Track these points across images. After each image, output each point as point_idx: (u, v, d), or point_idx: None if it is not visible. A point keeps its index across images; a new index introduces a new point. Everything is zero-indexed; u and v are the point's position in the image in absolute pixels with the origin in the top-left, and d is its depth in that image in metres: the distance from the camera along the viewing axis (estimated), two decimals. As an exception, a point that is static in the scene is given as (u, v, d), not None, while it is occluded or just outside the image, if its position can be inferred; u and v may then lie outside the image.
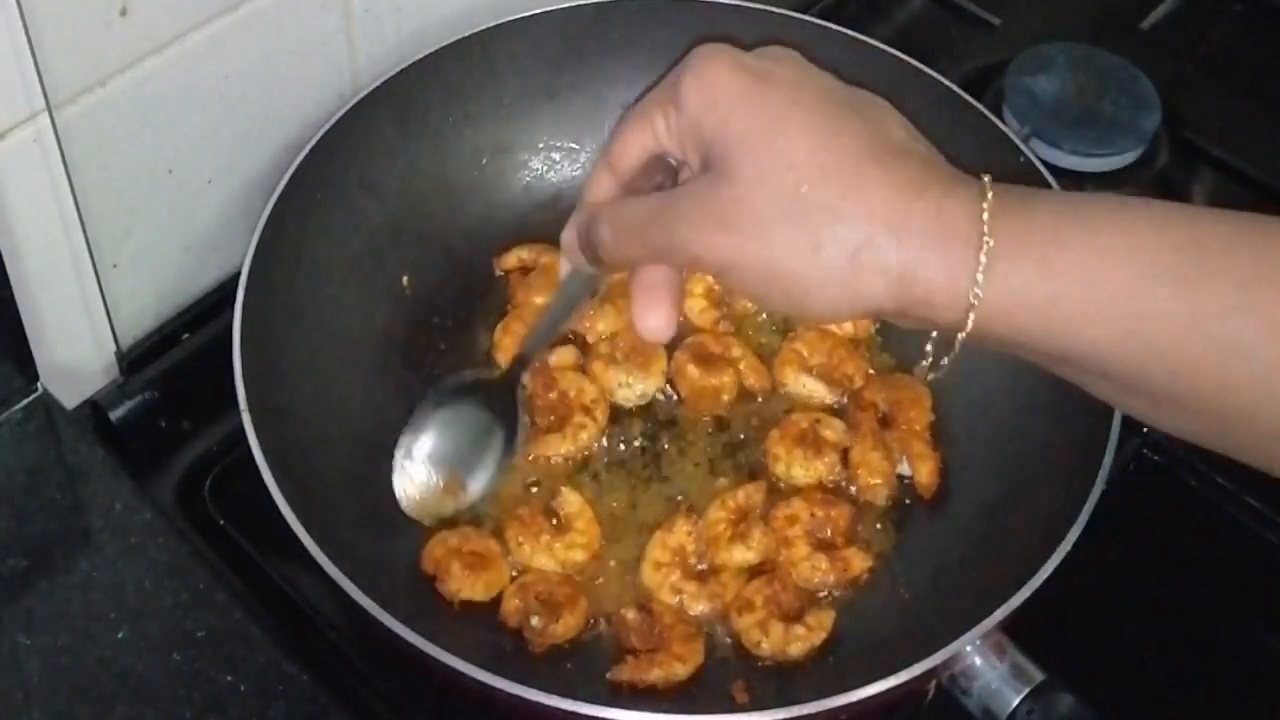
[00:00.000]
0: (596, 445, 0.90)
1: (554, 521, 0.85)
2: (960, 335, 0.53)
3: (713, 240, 0.54)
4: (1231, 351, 0.50)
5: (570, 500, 0.86)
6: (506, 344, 0.92)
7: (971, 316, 0.52)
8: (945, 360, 0.56)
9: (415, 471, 0.78)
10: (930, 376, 0.57)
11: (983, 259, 0.51)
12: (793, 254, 0.53)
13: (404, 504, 0.78)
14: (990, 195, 0.53)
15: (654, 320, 0.61)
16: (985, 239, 0.51)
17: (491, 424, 0.79)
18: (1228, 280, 0.50)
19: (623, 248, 0.59)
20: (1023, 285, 0.52)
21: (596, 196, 0.63)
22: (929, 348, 0.56)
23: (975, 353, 0.92)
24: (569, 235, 0.64)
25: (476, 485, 0.78)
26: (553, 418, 0.89)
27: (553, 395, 0.89)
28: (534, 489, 0.87)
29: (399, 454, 0.78)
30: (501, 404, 0.78)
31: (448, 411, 0.78)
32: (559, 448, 0.88)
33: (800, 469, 0.89)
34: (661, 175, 0.61)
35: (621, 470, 0.89)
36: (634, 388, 0.91)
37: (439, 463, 0.78)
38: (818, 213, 0.52)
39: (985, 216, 0.52)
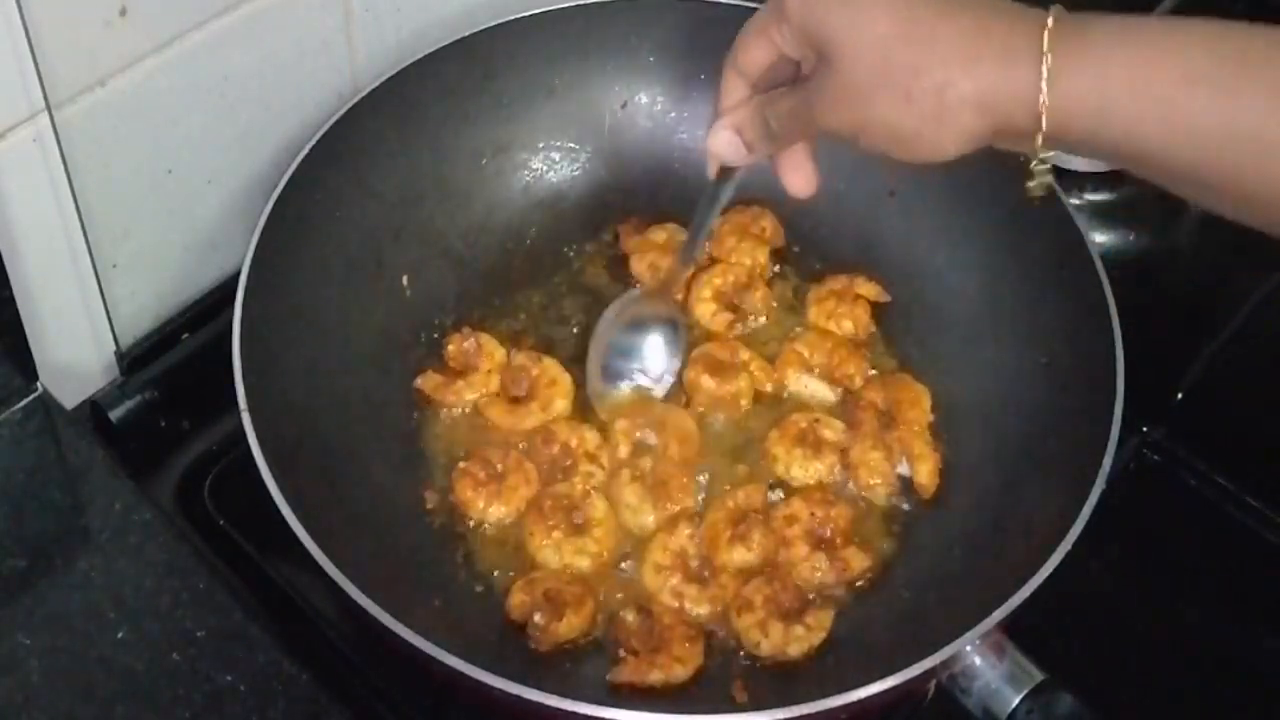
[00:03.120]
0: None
1: (575, 521, 0.85)
2: (1037, 140, 0.62)
3: (838, 115, 0.67)
4: (1268, 149, 0.57)
5: (598, 506, 0.86)
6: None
7: (1043, 121, 0.61)
8: (1038, 172, 0.65)
9: (606, 391, 0.91)
10: (1034, 188, 0.67)
11: (1045, 71, 0.60)
12: (893, 109, 0.64)
13: (605, 415, 0.91)
14: (1051, 20, 0.61)
15: (800, 179, 0.76)
16: (1045, 55, 0.60)
17: (660, 328, 0.92)
18: (1263, 87, 0.57)
19: (784, 132, 0.73)
20: (1080, 95, 0.60)
21: (734, 99, 0.75)
22: (1032, 164, 0.66)
23: (974, 352, 0.93)
24: (725, 137, 0.75)
25: (662, 386, 0.92)
26: (559, 472, 0.88)
27: (555, 450, 0.88)
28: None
29: (591, 378, 0.91)
30: (663, 310, 0.92)
31: (619, 332, 0.92)
32: (571, 491, 0.87)
33: (800, 469, 0.89)
34: (784, 71, 0.73)
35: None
36: (640, 516, 0.86)
37: (623, 378, 0.91)
38: (903, 71, 0.63)
39: (1046, 37, 0.60)
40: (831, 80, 0.66)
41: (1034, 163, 0.65)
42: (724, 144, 0.75)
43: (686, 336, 0.93)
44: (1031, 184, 0.66)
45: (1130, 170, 0.63)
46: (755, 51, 0.73)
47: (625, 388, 0.91)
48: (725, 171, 0.79)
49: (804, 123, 0.71)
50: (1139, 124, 0.60)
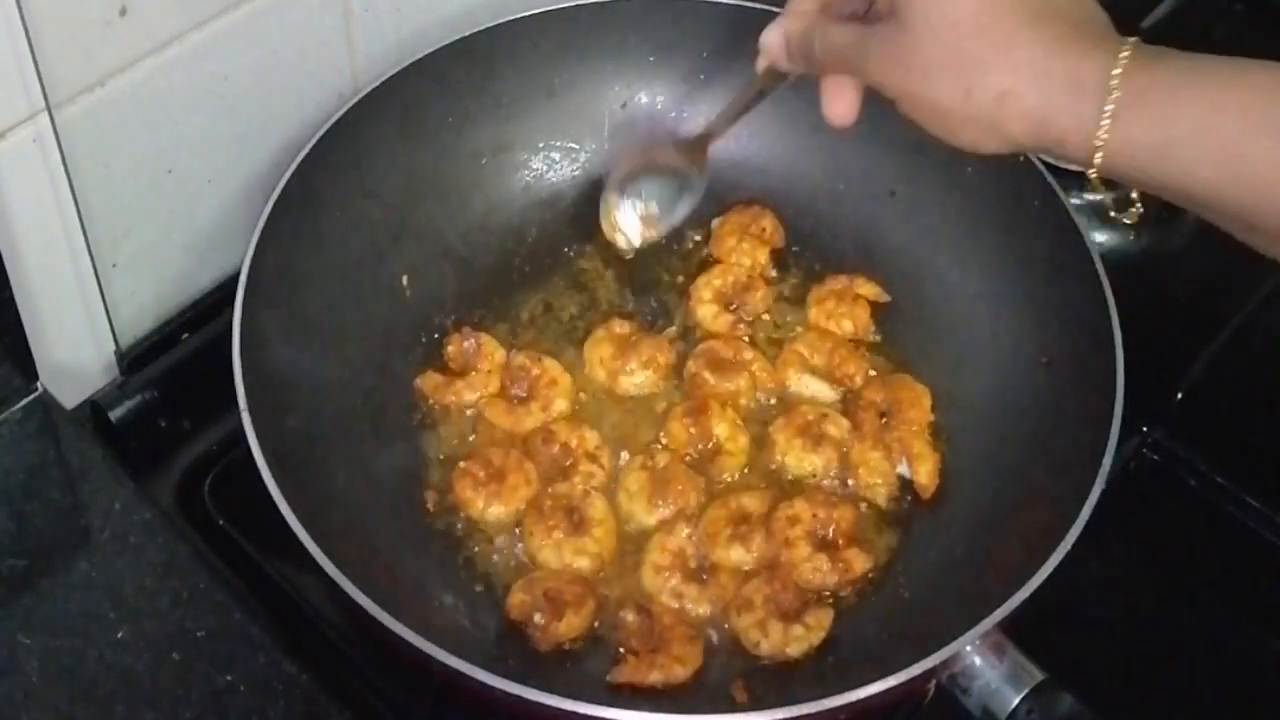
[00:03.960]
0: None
1: (574, 519, 0.85)
2: (1090, 172, 0.62)
3: (890, 77, 0.66)
4: None
5: (598, 506, 0.86)
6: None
7: (1097, 158, 0.61)
8: (1105, 196, 0.65)
9: (621, 207, 0.93)
10: (1120, 217, 0.67)
11: (1107, 109, 0.60)
12: (949, 95, 0.64)
13: (609, 233, 0.93)
14: (1125, 54, 0.60)
15: (840, 107, 0.72)
16: (1111, 93, 0.60)
17: (682, 172, 0.92)
18: None
19: (826, 62, 0.71)
20: (1141, 133, 0.60)
21: (803, 6, 0.74)
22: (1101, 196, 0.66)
23: (974, 352, 0.93)
24: (774, 37, 0.75)
25: (670, 220, 0.93)
26: (559, 472, 0.88)
27: (554, 450, 0.88)
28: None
29: (608, 194, 0.92)
30: (692, 158, 0.91)
31: (646, 160, 0.92)
32: (571, 491, 0.87)
33: (795, 459, 0.89)
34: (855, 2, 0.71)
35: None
36: (635, 503, 0.87)
37: (638, 198, 0.93)
38: (972, 64, 0.63)
39: (1116, 73, 0.60)
40: (895, 41, 0.65)
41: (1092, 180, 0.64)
42: (770, 43, 0.75)
43: (700, 193, 0.92)
44: (1114, 212, 0.67)
45: (1171, 202, 0.62)
46: None
47: (630, 211, 0.92)
48: (772, 73, 0.78)
49: (851, 65, 0.70)
50: (1197, 166, 0.59)
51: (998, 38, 0.62)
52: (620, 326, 0.94)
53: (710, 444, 0.89)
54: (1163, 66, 0.61)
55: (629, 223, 0.93)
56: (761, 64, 0.78)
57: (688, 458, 0.89)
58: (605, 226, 0.93)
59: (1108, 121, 0.60)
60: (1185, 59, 0.61)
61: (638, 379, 0.92)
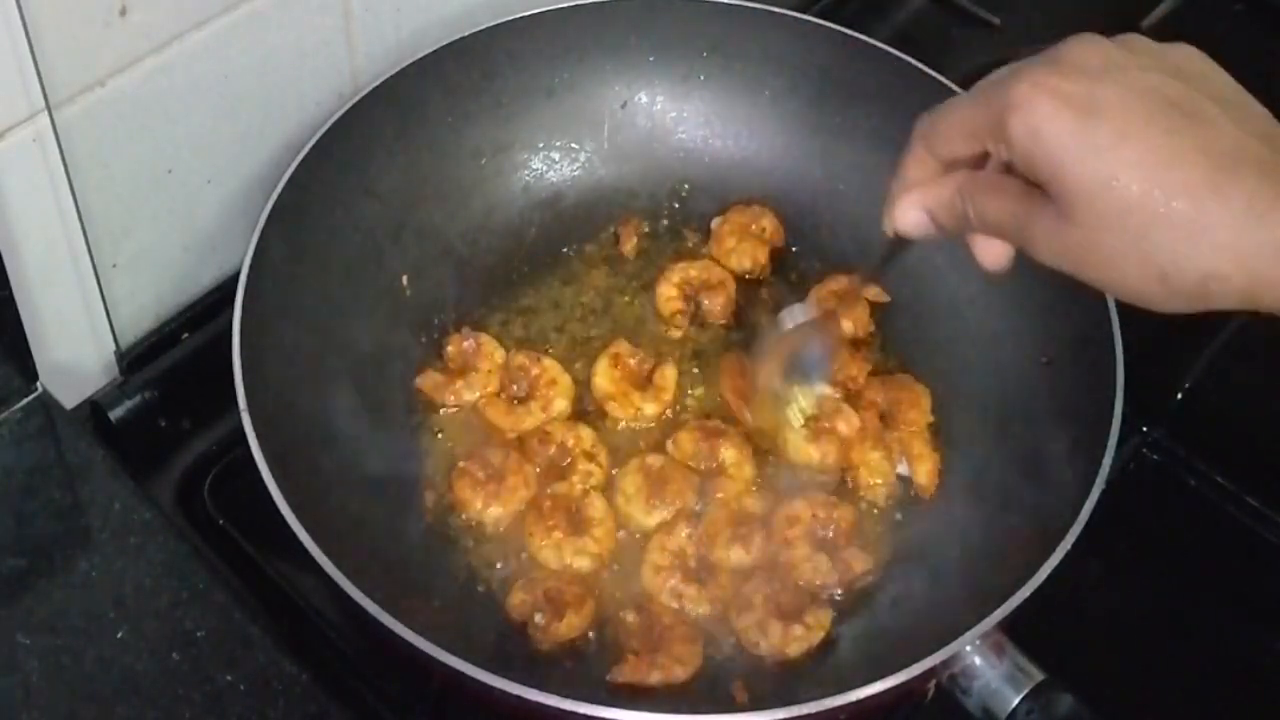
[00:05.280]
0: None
1: (574, 519, 0.85)
2: None
3: (1068, 264, 0.61)
4: None
5: (597, 506, 0.86)
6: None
7: None
8: None
9: (792, 404, 0.89)
10: None
11: None
12: (1142, 282, 0.58)
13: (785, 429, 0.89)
14: None
15: (993, 255, 0.67)
16: None
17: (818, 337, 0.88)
18: None
19: (985, 229, 0.65)
20: None
21: (922, 173, 0.67)
22: None
23: (974, 353, 0.92)
24: (914, 217, 0.68)
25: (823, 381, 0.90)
26: (558, 472, 0.88)
27: (551, 450, 0.88)
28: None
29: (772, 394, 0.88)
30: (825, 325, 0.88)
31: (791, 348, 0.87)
32: (570, 491, 0.87)
33: (794, 447, 0.89)
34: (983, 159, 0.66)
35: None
36: (633, 505, 0.87)
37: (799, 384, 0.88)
38: (1160, 251, 0.57)
39: None
40: (1064, 233, 0.60)
41: None
42: (911, 223, 0.68)
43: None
44: None
45: None
46: (957, 144, 0.65)
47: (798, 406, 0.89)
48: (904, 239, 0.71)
49: (1018, 242, 0.64)
50: None
51: (1183, 219, 0.56)
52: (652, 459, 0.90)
53: (715, 463, 0.89)
54: None
55: (800, 408, 0.90)
56: (891, 232, 0.70)
57: (702, 468, 0.89)
58: (783, 419, 0.89)
59: None
60: None
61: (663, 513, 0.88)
